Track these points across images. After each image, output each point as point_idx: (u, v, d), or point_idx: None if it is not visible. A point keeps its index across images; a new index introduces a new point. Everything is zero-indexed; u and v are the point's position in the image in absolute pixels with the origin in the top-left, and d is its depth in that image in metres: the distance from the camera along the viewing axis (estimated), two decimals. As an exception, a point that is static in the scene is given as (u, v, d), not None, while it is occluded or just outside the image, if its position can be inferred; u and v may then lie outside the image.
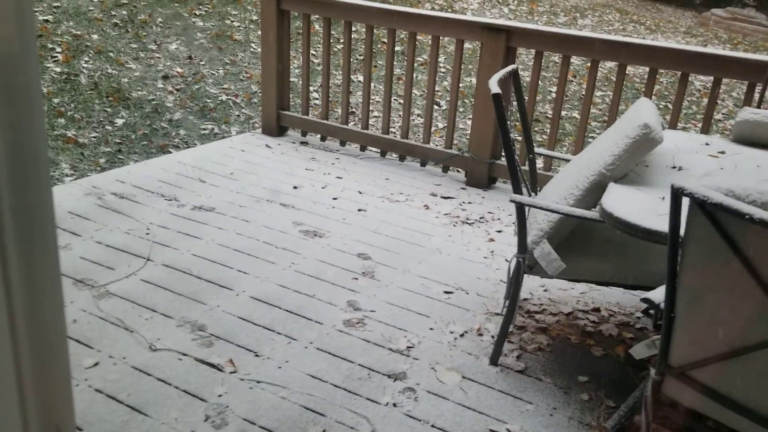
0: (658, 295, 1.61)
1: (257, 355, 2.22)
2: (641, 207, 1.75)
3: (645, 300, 1.62)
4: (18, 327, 0.40)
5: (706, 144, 2.33)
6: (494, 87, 1.96)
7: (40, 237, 0.41)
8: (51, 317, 0.43)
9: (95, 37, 6.15)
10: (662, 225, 1.59)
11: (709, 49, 3.24)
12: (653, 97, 3.46)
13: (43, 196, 0.39)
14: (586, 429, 2.00)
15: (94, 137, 4.48)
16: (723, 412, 1.50)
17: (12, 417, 0.42)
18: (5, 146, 0.36)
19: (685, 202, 1.36)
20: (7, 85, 0.35)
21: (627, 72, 3.75)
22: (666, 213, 1.46)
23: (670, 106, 6.43)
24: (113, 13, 6.74)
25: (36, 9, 6.43)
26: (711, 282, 1.41)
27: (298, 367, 2.18)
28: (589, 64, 3.49)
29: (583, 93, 3.82)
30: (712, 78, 3.25)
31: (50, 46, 5.76)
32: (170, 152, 4.30)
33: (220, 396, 2.02)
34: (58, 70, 5.39)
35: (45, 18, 6.28)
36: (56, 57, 5.59)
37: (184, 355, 2.19)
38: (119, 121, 4.78)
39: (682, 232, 1.42)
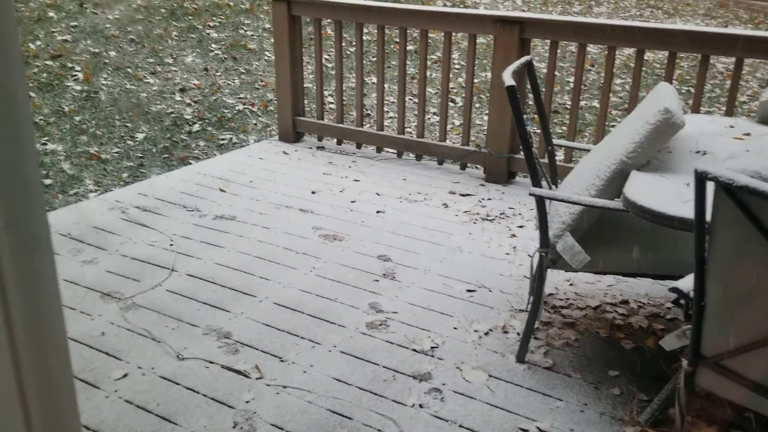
0: (687, 283, 1.57)
1: (282, 361, 2.22)
2: (665, 194, 1.71)
3: (674, 289, 1.58)
4: (18, 341, 0.39)
5: (731, 126, 2.27)
6: (508, 79, 1.93)
7: (35, 250, 0.40)
8: (51, 330, 0.43)
9: (113, 54, 6.25)
10: (688, 211, 1.55)
11: (730, 30, 3.15)
12: (674, 81, 3.39)
13: (35, 208, 0.38)
14: (618, 424, 1.96)
15: (116, 152, 4.55)
16: (760, 401, 1.45)
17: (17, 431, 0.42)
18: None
19: (711, 186, 1.32)
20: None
21: (646, 58, 3.67)
22: (691, 199, 1.42)
23: (692, 90, 6.30)
24: (129, 29, 6.84)
25: (54, 30, 6.56)
26: (741, 268, 1.37)
27: (323, 371, 2.18)
28: (606, 52, 3.43)
29: (602, 82, 3.76)
30: (734, 59, 3.17)
31: (70, 65, 5.87)
32: (190, 164, 4.34)
33: (247, 402, 2.03)
34: (78, 88, 5.49)
35: (63, 38, 6.40)
36: (76, 75, 5.69)
37: (211, 362, 2.20)
38: (140, 136, 4.84)
39: (708, 217, 1.38)
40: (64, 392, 0.42)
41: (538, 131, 3.88)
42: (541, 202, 2.05)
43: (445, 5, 9.18)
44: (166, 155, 4.59)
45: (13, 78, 0.36)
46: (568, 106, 5.75)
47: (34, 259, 0.39)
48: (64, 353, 0.42)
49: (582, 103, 5.70)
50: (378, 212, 3.38)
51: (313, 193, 3.60)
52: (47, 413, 0.42)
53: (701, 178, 1.31)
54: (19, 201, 0.37)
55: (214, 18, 7.49)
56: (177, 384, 2.10)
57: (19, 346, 0.39)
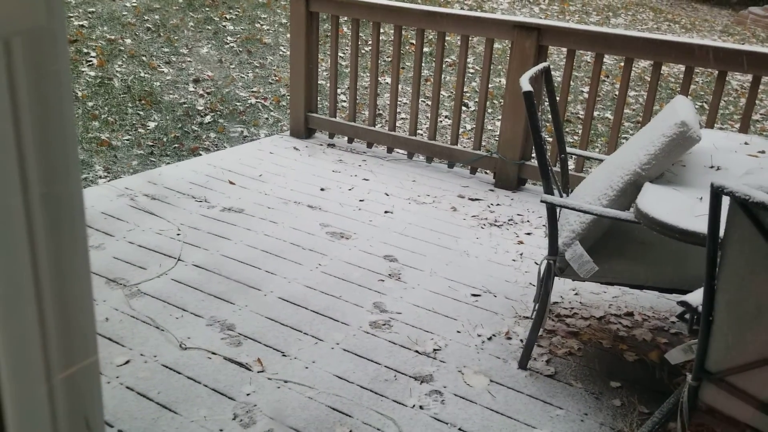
0: (696, 298, 1.57)
1: (284, 355, 2.23)
2: (678, 207, 1.70)
3: (682, 303, 1.58)
4: (46, 316, 0.39)
5: (746, 143, 2.26)
6: (525, 85, 1.93)
7: (69, 226, 0.40)
8: (79, 307, 0.43)
9: (128, 41, 6.27)
10: (700, 226, 1.54)
11: (747, 47, 3.14)
12: (689, 96, 3.38)
13: (72, 184, 0.39)
14: (619, 435, 1.95)
15: (127, 140, 4.57)
16: (764, 420, 1.45)
17: (41, 408, 0.42)
18: (34, 129, 0.35)
19: (725, 202, 1.32)
20: (35, 61, 0.35)
21: (662, 71, 3.66)
22: (704, 213, 1.42)
23: (706, 106, 6.28)
24: (146, 17, 6.87)
25: (71, 14, 6.59)
26: (752, 284, 1.36)
27: (324, 367, 2.18)
28: (622, 64, 3.43)
29: (616, 93, 3.75)
30: (750, 77, 3.16)
31: (85, 50, 5.89)
32: (201, 155, 4.35)
33: (248, 395, 2.03)
34: (92, 74, 5.51)
35: (80, 23, 6.43)
36: (91, 61, 5.72)
37: (214, 354, 2.21)
38: (151, 124, 4.86)
39: (721, 233, 1.37)
40: (87, 371, 0.42)
41: (550, 139, 3.87)
42: (552, 209, 2.05)
43: (462, 8, 9.18)
44: (176, 145, 4.61)
45: (57, 50, 0.36)
46: (581, 116, 5.74)
47: (68, 231, 0.40)
48: (91, 334, 0.43)
49: (595, 113, 5.69)
50: (386, 212, 3.38)
51: (322, 190, 3.61)
52: (70, 390, 0.42)
53: (717, 193, 1.30)
54: (56, 173, 0.38)
55: (231, 10, 7.51)
56: (179, 373, 2.11)
57: (47, 318, 0.39)
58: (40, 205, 0.37)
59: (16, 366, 0.39)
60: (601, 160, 2.52)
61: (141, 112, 5.03)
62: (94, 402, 0.44)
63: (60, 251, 0.40)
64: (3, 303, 0.37)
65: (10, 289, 0.37)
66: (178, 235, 3.00)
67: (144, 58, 6.01)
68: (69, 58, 0.39)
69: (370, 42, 4.15)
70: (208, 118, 5.12)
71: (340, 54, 6.31)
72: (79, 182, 0.40)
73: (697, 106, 6.34)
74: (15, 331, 0.38)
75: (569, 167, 2.88)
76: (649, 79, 3.43)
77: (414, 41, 3.89)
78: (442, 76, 4.27)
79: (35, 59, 0.35)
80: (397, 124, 4.26)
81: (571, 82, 4.64)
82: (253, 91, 5.78)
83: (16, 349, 0.38)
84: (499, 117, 4.51)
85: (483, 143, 3.95)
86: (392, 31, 3.98)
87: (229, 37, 6.84)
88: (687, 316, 1.64)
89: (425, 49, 6.59)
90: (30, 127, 0.36)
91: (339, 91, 5.59)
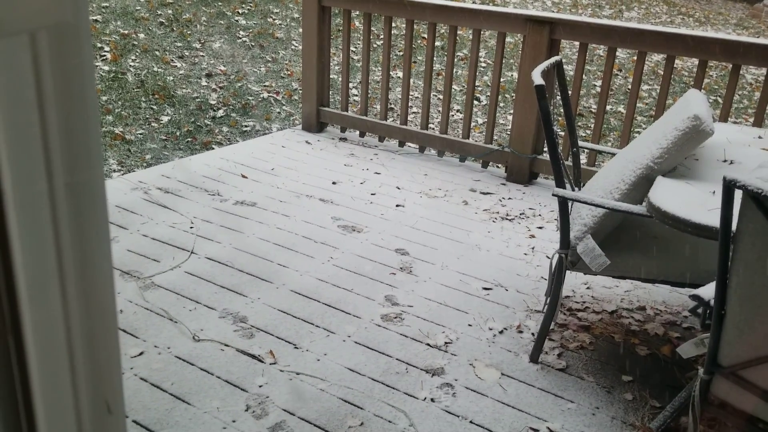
0: (708, 291, 1.56)
1: (296, 348, 2.24)
2: (691, 201, 1.70)
3: (694, 297, 1.57)
4: (70, 301, 0.41)
5: (759, 137, 2.24)
6: (537, 78, 1.92)
7: (91, 213, 0.42)
8: (101, 293, 0.44)
9: (142, 36, 6.31)
10: (713, 219, 1.54)
11: (762, 40, 3.11)
12: (702, 90, 3.36)
13: (94, 173, 0.40)
14: (629, 429, 1.95)
15: (140, 134, 4.60)
16: (777, 414, 1.44)
17: (64, 391, 0.44)
18: (58, 120, 0.36)
19: (737, 195, 1.31)
20: (59, 54, 0.36)
21: (675, 65, 3.63)
22: (717, 207, 1.41)
23: (720, 100, 6.22)
24: (159, 12, 6.90)
25: (86, 10, 6.63)
26: (764, 278, 1.36)
27: (336, 360, 2.19)
28: (635, 57, 3.40)
29: (629, 87, 3.73)
30: (765, 71, 3.12)
31: (99, 45, 5.94)
32: (213, 148, 4.38)
33: (260, 386, 2.05)
34: (106, 68, 5.56)
35: (94, 18, 6.48)
36: (104, 56, 5.76)
37: (226, 345, 2.23)
38: (164, 118, 4.90)
39: (734, 226, 1.37)
40: (109, 355, 0.43)
41: (562, 133, 3.86)
42: (563, 203, 2.05)
43: (474, 2, 9.14)
44: (189, 139, 4.64)
45: (81, 44, 0.38)
46: (593, 110, 5.71)
47: (90, 218, 0.41)
48: (112, 319, 0.44)
49: (607, 107, 5.65)
50: (398, 206, 3.39)
51: (333, 183, 3.62)
52: (92, 374, 0.43)
53: (729, 186, 1.30)
54: (80, 163, 0.39)
55: (244, 5, 7.53)
56: (192, 365, 2.13)
57: (71, 302, 0.40)
58: (63, 193, 0.38)
59: (42, 350, 0.40)
60: (613, 154, 2.51)
61: (154, 107, 5.07)
62: (115, 386, 0.45)
63: (83, 238, 0.41)
64: (29, 288, 0.38)
65: (36, 273, 0.38)
66: (191, 228, 3.03)
67: (157, 52, 6.04)
68: (92, 51, 0.40)
69: (381, 36, 4.15)
70: (220, 112, 5.15)
71: (352, 48, 6.31)
72: (102, 172, 0.41)
73: (710, 100, 6.28)
74: (40, 316, 0.39)
75: (581, 161, 2.87)
76: (662, 73, 3.40)
77: (426, 35, 3.88)
78: (454, 70, 4.26)
79: (60, 52, 0.36)
80: (409, 118, 4.26)
81: (584, 76, 4.61)
82: (265, 86, 5.80)
83: (42, 334, 0.40)
84: (511, 111, 4.50)
85: (495, 137, 3.95)
86: (404, 25, 3.98)
87: (241, 32, 6.86)
88: (699, 310, 1.64)
89: (437, 43, 6.57)
90: (55, 118, 0.37)
91: (351, 85, 5.59)
